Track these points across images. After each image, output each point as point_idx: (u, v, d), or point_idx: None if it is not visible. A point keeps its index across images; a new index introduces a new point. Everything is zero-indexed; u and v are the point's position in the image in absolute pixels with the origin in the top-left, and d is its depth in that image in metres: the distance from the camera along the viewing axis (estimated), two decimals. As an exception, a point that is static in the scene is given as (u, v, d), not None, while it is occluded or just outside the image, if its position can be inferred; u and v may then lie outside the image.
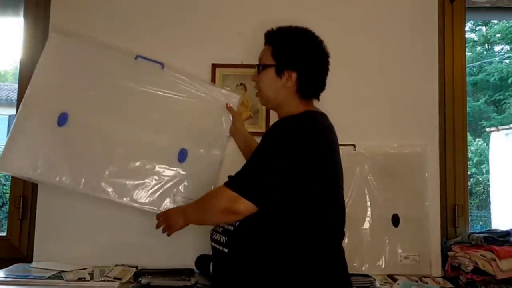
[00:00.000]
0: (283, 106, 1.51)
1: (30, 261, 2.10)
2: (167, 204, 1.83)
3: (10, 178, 2.32)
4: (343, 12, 2.26)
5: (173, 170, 1.82)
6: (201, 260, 1.96)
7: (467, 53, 2.38)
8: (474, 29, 6.84)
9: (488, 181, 4.27)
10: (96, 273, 1.89)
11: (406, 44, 2.24)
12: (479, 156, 5.51)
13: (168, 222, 1.63)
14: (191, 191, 1.78)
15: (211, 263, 1.51)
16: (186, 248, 2.00)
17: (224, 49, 2.22)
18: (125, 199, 1.81)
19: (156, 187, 1.82)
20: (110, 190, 1.81)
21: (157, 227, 1.68)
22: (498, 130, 4.46)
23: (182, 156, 1.82)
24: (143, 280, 1.81)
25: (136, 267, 1.99)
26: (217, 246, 1.44)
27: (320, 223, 1.38)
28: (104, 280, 1.83)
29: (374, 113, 2.19)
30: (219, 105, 1.89)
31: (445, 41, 2.31)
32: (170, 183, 1.81)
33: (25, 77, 2.28)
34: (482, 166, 5.43)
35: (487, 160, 4.75)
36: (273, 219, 1.34)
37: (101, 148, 1.81)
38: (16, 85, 2.34)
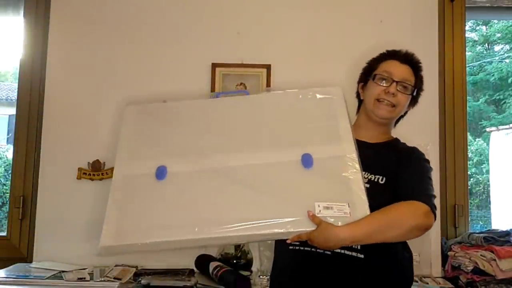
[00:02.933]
0: (387, 127, 1.62)
1: (30, 261, 2.10)
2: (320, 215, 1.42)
3: (10, 178, 2.32)
4: (343, 12, 2.26)
5: (304, 178, 1.49)
6: (201, 260, 1.97)
7: (467, 53, 2.38)
8: (474, 29, 6.83)
9: (488, 181, 4.25)
10: (96, 273, 1.90)
11: (406, 44, 2.21)
12: (479, 156, 5.50)
13: (316, 244, 1.37)
14: (332, 194, 1.44)
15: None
16: (186, 248, 2.00)
17: (224, 48, 2.22)
18: (276, 229, 1.41)
19: (295, 202, 1.44)
20: (249, 223, 1.43)
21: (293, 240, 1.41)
22: (498, 130, 4.45)
23: (307, 161, 1.51)
24: (143, 280, 1.81)
25: (136, 267, 1.99)
26: (347, 252, 1.40)
27: None
28: (104, 280, 1.84)
29: (374, 113, 2.19)
30: (321, 102, 1.65)
31: (445, 41, 2.31)
32: (306, 194, 1.45)
33: (25, 77, 2.29)
34: (482, 166, 5.41)
35: (487, 160, 4.74)
36: None
37: (220, 187, 1.52)
38: (16, 85, 2.34)
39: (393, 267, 1.44)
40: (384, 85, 1.55)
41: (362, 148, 1.53)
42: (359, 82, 1.68)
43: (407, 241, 1.50)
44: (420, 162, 1.53)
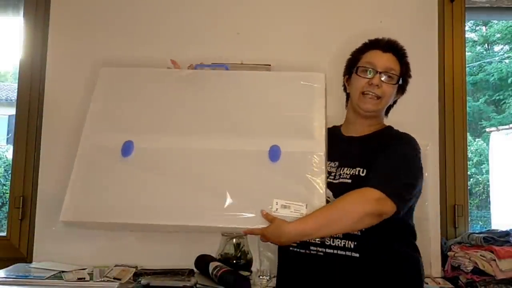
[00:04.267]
0: (377, 118, 1.59)
1: (30, 261, 2.10)
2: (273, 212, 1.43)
3: (10, 178, 2.32)
4: (343, 12, 2.26)
5: (268, 172, 1.47)
6: (201, 260, 1.96)
7: (466, 53, 2.38)
8: (474, 29, 6.83)
9: (488, 181, 4.27)
10: (95, 273, 1.90)
11: (406, 44, 2.20)
12: (479, 156, 5.50)
13: (270, 240, 1.39)
14: (292, 193, 1.43)
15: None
16: (186, 248, 2.00)
17: (223, 48, 2.22)
18: (228, 224, 1.43)
19: (253, 197, 1.44)
20: (202, 214, 1.45)
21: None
22: (498, 130, 4.46)
23: (274, 154, 1.48)
24: (143, 280, 1.81)
25: (136, 267, 1.99)
26: (340, 252, 1.40)
27: (412, 218, 1.55)
28: (103, 280, 1.83)
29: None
30: (301, 89, 1.59)
31: (445, 41, 2.31)
32: (266, 189, 1.44)
33: (24, 77, 2.29)
34: (482, 166, 5.41)
35: (487, 160, 4.75)
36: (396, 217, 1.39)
37: (183, 171, 1.51)
38: (16, 85, 2.34)
39: (391, 264, 1.42)
40: (368, 76, 1.51)
41: (348, 143, 1.52)
42: (344, 75, 1.64)
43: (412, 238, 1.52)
44: (397, 148, 1.46)
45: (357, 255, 1.39)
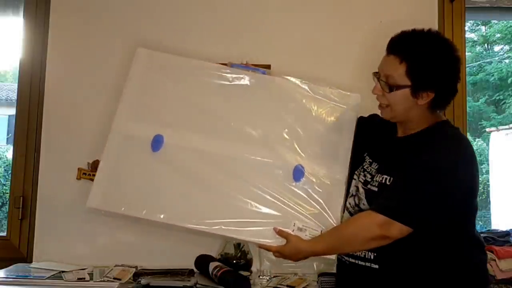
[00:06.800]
0: (412, 120, 1.40)
1: (30, 261, 2.10)
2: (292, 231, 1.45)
3: (10, 178, 2.32)
4: (343, 12, 2.26)
5: (289, 191, 1.47)
6: (201, 260, 1.96)
7: (466, 53, 2.38)
8: (474, 29, 6.83)
9: (488, 181, 4.26)
10: (95, 273, 1.89)
11: (406, 44, 2.24)
12: (479, 156, 5.49)
13: (286, 258, 1.44)
14: (308, 216, 1.44)
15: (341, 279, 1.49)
16: (186, 248, 2.00)
17: (226, 48, 2.22)
18: (241, 235, 1.46)
19: (271, 213, 1.45)
20: (218, 221, 1.46)
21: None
22: (498, 130, 4.46)
23: (298, 174, 1.48)
24: (143, 280, 1.81)
25: (136, 267, 1.99)
26: (360, 263, 1.38)
27: (462, 233, 1.37)
28: (103, 280, 1.83)
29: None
30: (334, 107, 1.55)
31: (445, 41, 2.31)
32: (285, 208, 1.45)
33: (25, 77, 2.29)
34: (482, 167, 5.41)
35: (487, 160, 4.74)
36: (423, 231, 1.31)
37: (208, 176, 1.50)
38: (16, 85, 2.34)
39: (412, 277, 1.34)
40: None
41: (392, 145, 1.45)
42: None
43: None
44: (423, 159, 1.30)
45: (377, 266, 1.35)
